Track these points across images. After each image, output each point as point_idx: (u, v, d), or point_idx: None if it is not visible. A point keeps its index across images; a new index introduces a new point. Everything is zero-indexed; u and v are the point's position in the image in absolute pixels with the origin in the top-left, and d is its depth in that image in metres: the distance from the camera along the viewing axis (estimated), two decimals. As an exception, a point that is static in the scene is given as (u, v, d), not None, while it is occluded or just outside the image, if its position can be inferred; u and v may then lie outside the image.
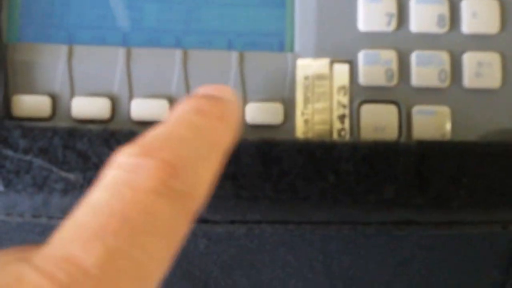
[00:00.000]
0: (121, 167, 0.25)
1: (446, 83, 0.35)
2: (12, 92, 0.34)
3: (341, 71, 0.35)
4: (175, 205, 0.24)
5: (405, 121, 0.35)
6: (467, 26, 0.35)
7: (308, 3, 0.36)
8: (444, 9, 0.35)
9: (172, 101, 0.34)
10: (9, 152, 0.31)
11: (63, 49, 0.34)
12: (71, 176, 0.31)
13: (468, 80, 0.35)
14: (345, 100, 0.35)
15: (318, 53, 0.35)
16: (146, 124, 0.33)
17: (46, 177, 0.30)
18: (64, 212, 0.29)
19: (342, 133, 0.35)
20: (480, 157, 0.32)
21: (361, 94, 0.35)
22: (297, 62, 0.35)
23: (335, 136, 0.35)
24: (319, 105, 0.35)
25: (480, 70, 0.35)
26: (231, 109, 0.29)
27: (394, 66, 0.35)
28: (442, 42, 0.35)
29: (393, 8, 0.35)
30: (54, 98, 0.34)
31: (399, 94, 0.35)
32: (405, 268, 0.37)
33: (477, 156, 0.32)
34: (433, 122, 0.35)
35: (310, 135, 0.35)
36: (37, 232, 0.34)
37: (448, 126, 0.35)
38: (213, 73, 0.35)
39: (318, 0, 0.35)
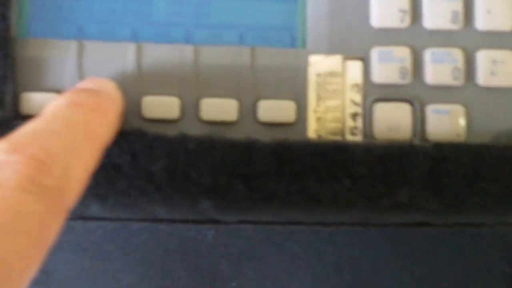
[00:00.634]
0: None
1: (460, 81, 0.34)
2: (20, 89, 0.34)
3: (354, 68, 0.35)
4: (43, 201, 0.24)
5: (419, 120, 0.34)
6: (481, 22, 0.35)
7: (320, -2, 0.35)
8: (458, 5, 0.35)
9: (182, 98, 0.34)
10: None
11: (73, 45, 0.34)
12: None
13: (483, 78, 0.35)
14: (358, 98, 0.34)
15: (330, 50, 0.35)
16: (157, 122, 0.33)
17: None
18: None
19: (355, 131, 0.34)
20: (496, 160, 0.32)
21: (374, 92, 0.35)
22: (309, 58, 0.35)
23: (347, 134, 0.34)
24: (331, 103, 0.34)
25: (495, 68, 0.35)
26: (107, 101, 0.29)
27: (408, 63, 0.34)
28: (456, 39, 0.35)
29: (406, 4, 0.35)
30: None
31: (413, 92, 0.35)
32: (415, 261, 0.37)
33: (493, 159, 0.32)
34: (448, 121, 0.34)
35: (322, 133, 0.34)
36: None
37: (462, 125, 0.34)
38: (224, 69, 0.34)
39: None
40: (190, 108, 0.34)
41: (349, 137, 0.34)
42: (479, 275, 0.38)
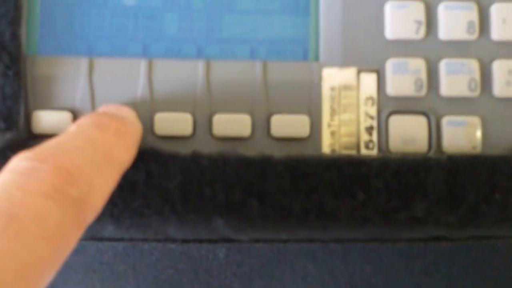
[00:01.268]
0: (15, 170, 0.25)
1: (476, 93, 0.34)
2: (31, 107, 0.33)
3: (369, 81, 0.34)
4: (65, 210, 0.24)
5: (435, 132, 0.34)
6: (497, 33, 0.34)
7: (333, 10, 0.35)
8: (473, 16, 0.34)
9: (195, 114, 0.34)
10: None
11: (84, 62, 0.34)
12: None
13: (499, 89, 0.34)
14: (372, 111, 0.34)
15: (344, 62, 0.34)
16: (170, 139, 0.33)
17: None
18: None
19: (370, 145, 0.34)
20: None
21: (389, 105, 0.34)
22: (323, 71, 0.34)
23: (362, 148, 0.34)
24: (346, 117, 0.34)
25: (511, 78, 0.34)
26: (129, 128, 0.30)
27: (423, 75, 0.34)
28: (472, 49, 0.34)
29: (421, 15, 0.34)
30: (75, 114, 0.33)
31: (428, 104, 0.34)
32: (430, 276, 0.37)
33: (509, 171, 0.32)
34: (464, 133, 0.34)
35: (337, 147, 0.34)
36: None
37: (478, 137, 0.34)
38: (236, 84, 0.34)
39: (344, 7, 0.34)
40: (202, 124, 0.34)
41: (364, 151, 0.34)
42: (493, 286, 0.37)
